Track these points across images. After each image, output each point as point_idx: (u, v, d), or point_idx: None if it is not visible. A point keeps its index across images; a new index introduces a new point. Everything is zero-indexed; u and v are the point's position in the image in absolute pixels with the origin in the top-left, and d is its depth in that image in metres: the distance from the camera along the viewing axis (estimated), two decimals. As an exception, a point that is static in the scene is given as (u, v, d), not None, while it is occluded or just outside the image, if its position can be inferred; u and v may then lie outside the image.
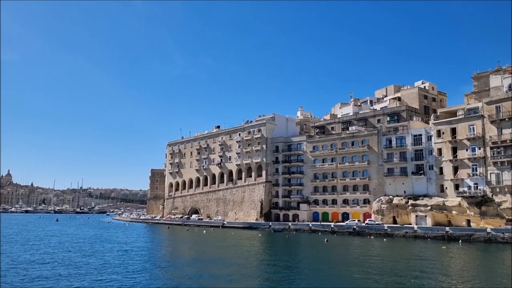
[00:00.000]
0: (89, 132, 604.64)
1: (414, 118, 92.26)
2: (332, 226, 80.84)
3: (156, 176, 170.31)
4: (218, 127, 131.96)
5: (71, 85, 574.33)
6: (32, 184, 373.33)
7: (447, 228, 66.60)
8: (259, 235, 75.32)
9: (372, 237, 69.29)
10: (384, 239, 64.78)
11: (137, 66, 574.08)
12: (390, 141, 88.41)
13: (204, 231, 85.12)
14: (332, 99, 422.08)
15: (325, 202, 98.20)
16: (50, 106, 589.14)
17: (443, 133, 79.85)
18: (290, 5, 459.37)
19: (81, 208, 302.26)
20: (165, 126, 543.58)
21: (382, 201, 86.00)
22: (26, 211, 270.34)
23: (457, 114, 79.17)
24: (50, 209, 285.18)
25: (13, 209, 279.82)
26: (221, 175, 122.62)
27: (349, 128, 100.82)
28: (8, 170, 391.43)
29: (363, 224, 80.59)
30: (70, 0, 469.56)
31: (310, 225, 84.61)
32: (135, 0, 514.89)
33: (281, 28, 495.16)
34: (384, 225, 75.92)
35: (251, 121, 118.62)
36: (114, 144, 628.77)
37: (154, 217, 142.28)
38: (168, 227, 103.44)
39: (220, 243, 60.92)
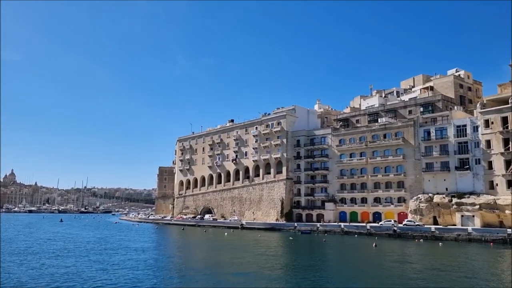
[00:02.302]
0: (93, 131, 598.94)
1: (456, 108, 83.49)
2: (368, 227, 72.24)
3: (165, 174, 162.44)
4: (232, 121, 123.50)
5: (74, 84, 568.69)
6: (36, 184, 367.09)
7: (509, 230, 57.92)
8: (290, 238, 66.62)
9: (421, 240, 60.54)
10: (440, 244, 55.89)
11: (140, 66, 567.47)
12: (429, 133, 79.78)
13: (226, 233, 76.54)
14: (346, 93, 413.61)
15: (353, 200, 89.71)
16: (54, 105, 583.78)
17: (492, 123, 71.21)
18: (298, 3, 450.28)
19: (86, 207, 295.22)
20: (170, 124, 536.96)
21: (420, 199, 77.42)
22: (30, 211, 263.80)
23: (509, 101, 70.40)
24: (54, 209, 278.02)
25: (16, 208, 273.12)
26: (236, 172, 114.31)
27: (379, 120, 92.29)
28: (12, 169, 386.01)
29: (403, 225, 72.06)
30: (73, 0, 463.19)
31: (342, 226, 76.01)
32: (138, 0, 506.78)
33: (289, 25, 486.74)
34: (431, 226, 67.26)
35: (269, 114, 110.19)
36: (117, 143, 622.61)
37: (164, 217, 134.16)
38: (183, 229, 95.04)
39: (255, 249, 51.27)
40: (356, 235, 70.26)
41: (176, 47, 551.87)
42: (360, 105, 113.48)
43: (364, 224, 77.29)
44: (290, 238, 66.42)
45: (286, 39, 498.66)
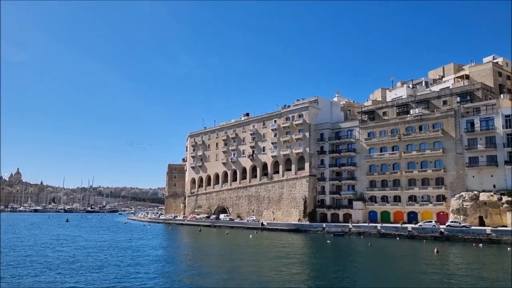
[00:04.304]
0: (98, 129, 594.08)
1: (502, 96, 75.68)
2: (410, 229, 64.66)
3: (174, 172, 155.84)
4: (247, 114, 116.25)
5: (79, 83, 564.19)
6: (41, 183, 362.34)
7: None
8: (328, 241, 59.23)
9: (480, 245, 52.82)
10: (508, 248, 48.12)
11: (144, 65, 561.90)
12: (472, 124, 72.12)
13: (251, 236, 69.17)
14: (361, 89, 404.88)
15: (384, 199, 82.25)
16: (59, 104, 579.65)
17: (549, 111, 63.49)
18: (301, 3, 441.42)
19: (92, 207, 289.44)
20: (175, 123, 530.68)
21: (464, 197, 69.80)
22: (35, 210, 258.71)
23: None
24: (60, 208, 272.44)
25: (21, 208, 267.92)
26: (253, 168, 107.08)
27: (411, 111, 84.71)
28: (18, 168, 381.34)
29: (447, 227, 64.40)
30: (78, 0, 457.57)
31: (379, 228, 68.47)
32: (142, 0, 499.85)
33: (295, 23, 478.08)
34: (485, 228, 59.64)
35: (288, 106, 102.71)
36: (122, 141, 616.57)
37: (175, 216, 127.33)
38: (200, 230, 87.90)
39: (302, 257, 43.39)
40: (397, 238, 62.77)
41: (180, 46, 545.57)
42: (382, 97, 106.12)
43: (402, 226, 69.79)
44: (328, 241, 58.89)
45: (293, 37, 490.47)
